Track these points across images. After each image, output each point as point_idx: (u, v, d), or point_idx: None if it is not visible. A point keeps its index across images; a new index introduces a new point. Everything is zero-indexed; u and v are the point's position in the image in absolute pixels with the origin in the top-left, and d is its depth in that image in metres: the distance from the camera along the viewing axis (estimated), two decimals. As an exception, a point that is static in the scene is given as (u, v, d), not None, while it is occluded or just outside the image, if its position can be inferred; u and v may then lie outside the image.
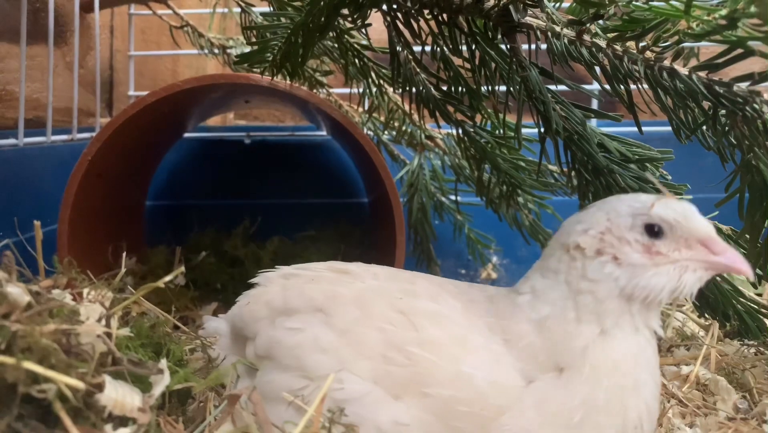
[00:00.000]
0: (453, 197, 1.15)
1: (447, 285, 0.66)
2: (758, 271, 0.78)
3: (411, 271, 0.73)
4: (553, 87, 0.77)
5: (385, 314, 0.59)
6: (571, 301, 0.56)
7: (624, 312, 0.56)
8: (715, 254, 0.55)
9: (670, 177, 0.82)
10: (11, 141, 1.01)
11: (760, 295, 0.94)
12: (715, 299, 0.83)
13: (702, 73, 0.66)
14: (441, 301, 0.61)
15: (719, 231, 0.82)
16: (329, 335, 0.58)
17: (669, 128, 0.72)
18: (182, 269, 0.54)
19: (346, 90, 1.08)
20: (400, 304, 0.59)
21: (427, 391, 0.53)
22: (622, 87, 0.71)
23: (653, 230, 0.55)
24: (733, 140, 0.68)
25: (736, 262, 0.54)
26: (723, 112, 0.67)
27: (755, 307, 0.84)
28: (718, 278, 0.83)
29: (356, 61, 0.95)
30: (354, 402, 0.53)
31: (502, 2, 0.71)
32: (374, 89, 1.01)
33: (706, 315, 0.86)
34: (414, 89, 0.88)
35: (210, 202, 1.42)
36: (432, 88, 0.88)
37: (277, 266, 0.72)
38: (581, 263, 0.57)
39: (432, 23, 0.79)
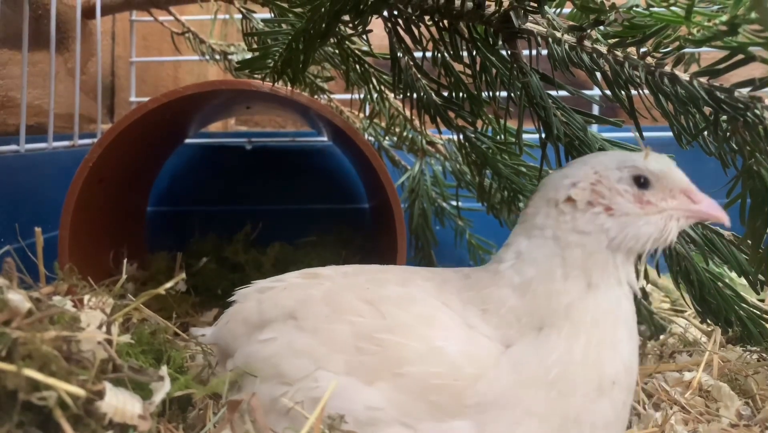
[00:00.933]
0: (454, 203, 1.15)
1: (421, 271, 0.67)
2: (761, 277, 0.78)
3: (382, 266, 0.74)
4: (554, 93, 0.77)
5: (353, 306, 0.59)
6: (559, 258, 0.56)
7: (609, 264, 0.56)
8: (695, 202, 0.58)
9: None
10: (13, 147, 1.01)
11: (762, 300, 0.94)
12: (717, 305, 0.83)
13: (703, 79, 0.66)
14: (411, 284, 0.61)
15: (721, 236, 0.82)
16: (302, 337, 0.59)
17: (670, 134, 0.72)
18: (183, 275, 0.54)
19: (347, 96, 1.08)
20: (367, 294, 0.60)
21: (398, 371, 0.54)
22: (623, 93, 0.71)
23: (640, 181, 0.57)
24: (734, 146, 0.68)
25: (714, 209, 0.58)
26: (724, 117, 0.67)
27: (757, 313, 0.84)
28: (719, 284, 0.83)
29: (357, 67, 0.95)
30: (332, 398, 0.53)
31: (502, 8, 0.71)
32: (375, 95, 1.01)
33: (709, 321, 0.86)
34: (415, 95, 0.88)
35: (211, 208, 1.42)
36: (433, 94, 0.88)
37: (253, 281, 0.72)
38: (571, 215, 0.57)
39: (433, 29, 0.79)
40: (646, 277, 0.90)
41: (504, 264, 0.59)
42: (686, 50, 0.67)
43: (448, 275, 0.64)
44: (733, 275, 0.84)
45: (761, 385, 0.78)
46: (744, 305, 0.83)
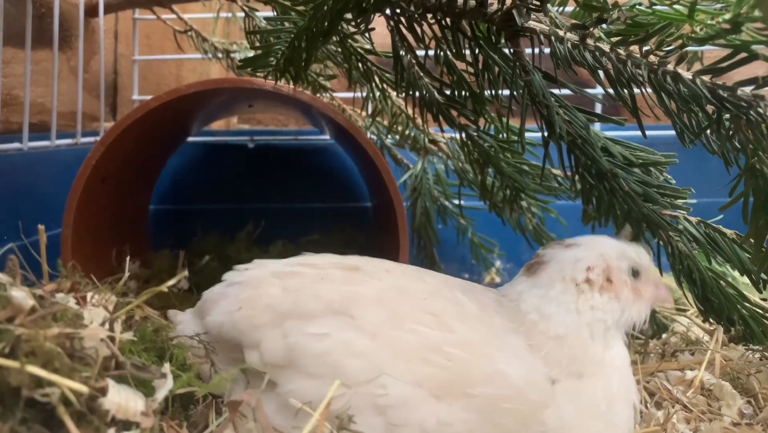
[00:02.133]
0: (456, 201, 1.15)
1: (451, 279, 0.70)
2: (763, 276, 0.78)
3: (413, 266, 0.75)
4: (556, 91, 0.77)
5: (415, 315, 0.60)
6: (585, 326, 0.65)
7: (618, 333, 0.68)
8: (659, 289, 0.71)
9: (674, 181, 0.82)
10: (16, 145, 1.01)
11: (765, 299, 0.93)
12: (720, 304, 0.83)
13: (706, 77, 0.66)
14: (459, 302, 0.64)
15: (724, 235, 0.81)
16: (361, 339, 0.57)
17: (673, 132, 0.72)
18: (185, 273, 0.54)
19: (350, 94, 1.08)
20: (427, 305, 0.62)
21: (470, 391, 0.56)
22: (625, 91, 0.71)
23: (633, 272, 0.69)
24: (737, 144, 0.68)
25: (669, 294, 0.73)
26: (727, 116, 0.67)
27: (760, 311, 0.83)
28: (722, 282, 0.83)
29: (359, 65, 0.95)
30: (399, 407, 0.54)
31: (505, 6, 0.71)
32: (377, 93, 1.01)
33: (711, 320, 0.86)
34: (417, 93, 0.88)
35: (214, 207, 1.42)
36: (435, 92, 0.88)
37: (255, 260, 0.69)
38: (590, 295, 0.66)
39: (435, 27, 0.79)
40: (649, 276, 0.90)
41: (530, 315, 0.65)
42: (689, 48, 0.67)
43: (480, 296, 0.68)
44: (736, 273, 0.84)
45: (763, 384, 0.77)
46: (747, 304, 0.83)
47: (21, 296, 0.43)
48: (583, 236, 0.73)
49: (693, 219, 0.82)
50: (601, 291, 0.66)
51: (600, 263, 0.67)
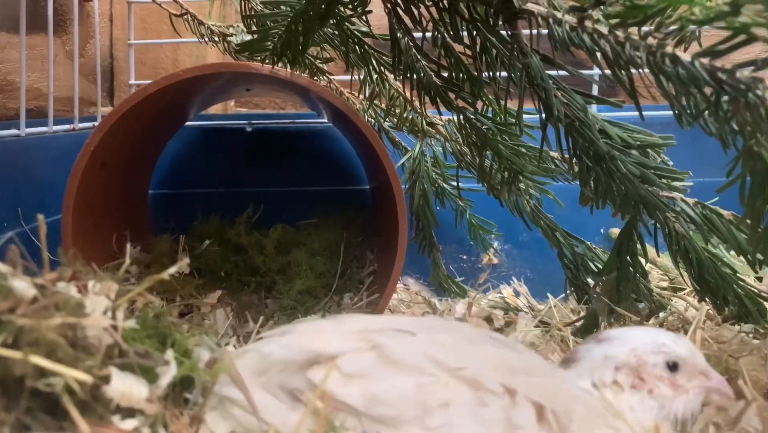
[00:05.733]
0: (454, 183, 1.15)
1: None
2: (759, 256, 0.79)
3: None
4: (554, 73, 0.76)
5: None
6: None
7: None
8: (710, 380, 0.66)
9: (671, 162, 0.82)
10: (13, 131, 1.01)
11: (760, 279, 0.94)
12: (715, 284, 0.83)
13: (704, 60, 0.66)
14: None
15: (720, 216, 0.82)
16: None
17: (670, 113, 0.72)
18: (187, 259, 0.55)
19: (347, 77, 1.07)
20: None
21: None
22: (623, 73, 0.71)
23: (670, 365, 0.64)
24: (735, 126, 0.68)
25: (725, 385, 0.66)
26: (725, 98, 0.67)
27: (755, 291, 0.84)
28: (718, 262, 0.83)
29: (357, 48, 0.94)
30: None
31: (502, -11, 0.70)
32: (375, 76, 1.01)
33: (707, 300, 0.87)
34: (415, 76, 0.88)
35: (213, 191, 1.42)
36: (433, 75, 0.88)
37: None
38: (622, 397, 0.64)
39: (432, 9, 0.79)
40: (646, 256, 0.90)
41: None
42: (689, 29, 0.67)
43: None
44: (732, 253, 0.85)
45: (754, 365, 0.78)
46: (742, 284, 0.84)
47: (22, 286, 0.43)
48: (618, 329, 0.71)
49: (690, 200, 0.82)
50: (632, 390, 0.64)
51: (630, 359, 0.65)
